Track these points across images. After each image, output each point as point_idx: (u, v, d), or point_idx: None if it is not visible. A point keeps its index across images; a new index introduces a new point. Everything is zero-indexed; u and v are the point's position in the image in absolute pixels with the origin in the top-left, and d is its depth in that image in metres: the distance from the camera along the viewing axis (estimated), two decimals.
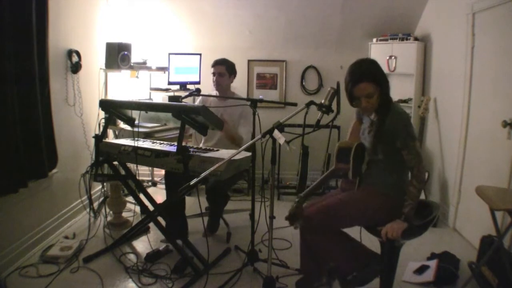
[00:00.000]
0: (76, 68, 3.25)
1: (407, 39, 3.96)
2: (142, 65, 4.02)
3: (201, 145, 3.21)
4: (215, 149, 2.66)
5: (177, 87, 4.23)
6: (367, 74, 1.96)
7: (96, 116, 3.60)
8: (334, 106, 2.07)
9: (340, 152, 2.11)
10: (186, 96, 2.92)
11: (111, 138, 3.85)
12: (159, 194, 2.99)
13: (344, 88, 2.03)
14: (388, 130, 1.98)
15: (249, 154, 2.53)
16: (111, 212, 3.33)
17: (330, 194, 2.36)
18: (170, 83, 4.14)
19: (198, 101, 3.34)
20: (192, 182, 1.91)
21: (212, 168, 1.91)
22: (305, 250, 2.20)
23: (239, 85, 4.49)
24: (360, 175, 2.09)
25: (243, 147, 2.00)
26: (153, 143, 2.77)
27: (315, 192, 4.02)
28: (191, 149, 2.56)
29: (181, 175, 2.35)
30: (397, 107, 2.04)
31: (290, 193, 4.26)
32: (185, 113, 2.34)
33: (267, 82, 4.60)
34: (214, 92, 3.26)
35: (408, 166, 1.99)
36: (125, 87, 4.19)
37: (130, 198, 3.41)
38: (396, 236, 1.88)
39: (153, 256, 2.71)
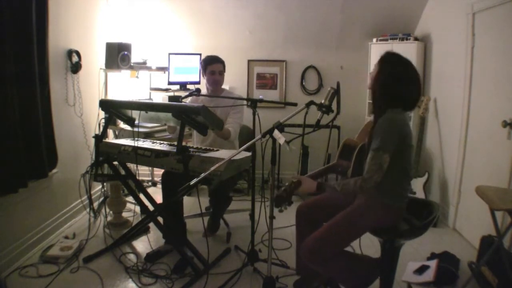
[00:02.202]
0: (76, 68, 3.25)
1: (407, 39, 3.96)
2: (142, 65, 4.02)
3: (195, 144, 3.19)
4: (215, 149, 2.65)
5: (177, 87, 4.23)
6: (386, 61, 1.94)
7: (96, 116, 3.60)
8: (334, 106, 2.06)
9: (344, 148, 2.09)
10: (186, 96, 2.91)
11: (111, 138, 3.85)
12: (159, 194, 2.98)
13: None
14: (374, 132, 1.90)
15: (249, 154, 2.52)
16: (111, 212, 3.33)
17: (328, 193, 2.34)
18: (170, 83, 4.14)
19: (188, 100, 3.23)
20: (192, 182, 1.91)
21: (212, 168, 1.91)
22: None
23: (239, 85, 4.50)
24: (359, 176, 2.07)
25: (243, 147, 2.00)
26: (153, 143, 2.77)
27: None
28: (191, 149, 2.56)
29: (179, 176, 2.35)
30: (393, 113, 1.90)
31: None
32: (185, 113, 2.34)
33: (267, 82, 4.60)
34: (204, 90, 3.20)
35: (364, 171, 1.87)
36: (125, 87, 4.19)
37: (130, 198, 3.41)
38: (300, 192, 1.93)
39: (153, 256, 2.71)
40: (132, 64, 3.80)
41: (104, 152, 2.65)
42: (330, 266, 1.97)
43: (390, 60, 1.96)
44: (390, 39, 4.05)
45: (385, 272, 2.06)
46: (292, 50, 4.52)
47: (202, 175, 1.92)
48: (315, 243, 1.92)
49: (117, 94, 4.03)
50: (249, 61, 4.55)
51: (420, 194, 3.50)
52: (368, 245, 2.51)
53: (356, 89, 4.47)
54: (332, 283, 2.20)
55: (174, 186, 2.69)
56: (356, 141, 2.16)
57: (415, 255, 2.81)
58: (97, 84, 3.75)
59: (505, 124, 2.58)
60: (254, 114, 2.44)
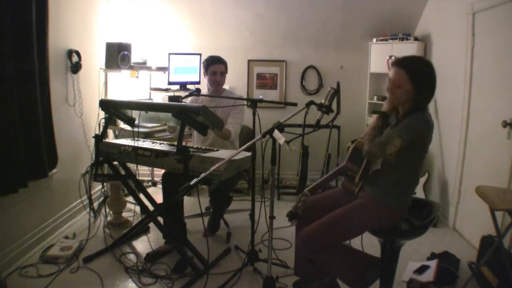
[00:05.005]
0: (76, 68, 3.25)
1: (407, 39, 3.96)
2: (142, 65, 4.02)
3: (195, 144, 3.19)
4: (215, 149, 2.65)
5: (177, 87, 4.23)
6: (410, 66, 1.85)
7: (96, 116, 3.60)
8: (334, 106, 2.06)
9: (354, 152, 2.05)
10: (186, 96, 2.91)
11: (111, 138, 3.85)
12: (159, 194, 2.98)
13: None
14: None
15: (249, 154, 2.52)
16: (111, 212, 3.33)
17: (328, 193, 2.33)
18: (170, 83, 4.14)
19: (188, 101, 3.23)
20: (192, 182, 1.91)
21: (212, 168, 1.91)
22: (301, 256, 2.19)
23: (239, 85, 4.50)
24: (365, 179, 2.04)
25: (243, 147, 2.00)
26: (153, 143, 2.77)
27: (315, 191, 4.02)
28: (191, 149, 2.56)
29: (180, 176, 2.35)
30: (428, 115, 1.93)
31: (290, 193, 4.25)
32: (185, 113, 2.34)
33: (267, 82, 4.60)
34: (205, 90, 3.19)
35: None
36: (125, 87, 4.19)
37: (130, 198, 3.41)
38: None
39: (153, 256, 2.71)
40: (132, 64, 3.80)
41: (104, 152, 2.65)
42: (326, 256, 1.99)
43: (425, 65, 1.92)
44: (390, 39, 4.05)
45: (385, 272, 2.06)
46: (292, 50, 4.51)
47: (202, 175, 1.91)
48: (313, 231, 1.94)
49: (117, 94, 4.03)
50: (249, 61, 4.55)
51: (420, 194, 3.50)
52: (368, 245, 2.50)
53: (356, 89, 4.47)
54: (333, 284, 2.20)
55: (174, 186, 2.69)
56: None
57: (415, 255, 2.81)
58: (97, 84, 3.75)
59: (505, 124, 2.58)
60: (254, 114, 2.44)
